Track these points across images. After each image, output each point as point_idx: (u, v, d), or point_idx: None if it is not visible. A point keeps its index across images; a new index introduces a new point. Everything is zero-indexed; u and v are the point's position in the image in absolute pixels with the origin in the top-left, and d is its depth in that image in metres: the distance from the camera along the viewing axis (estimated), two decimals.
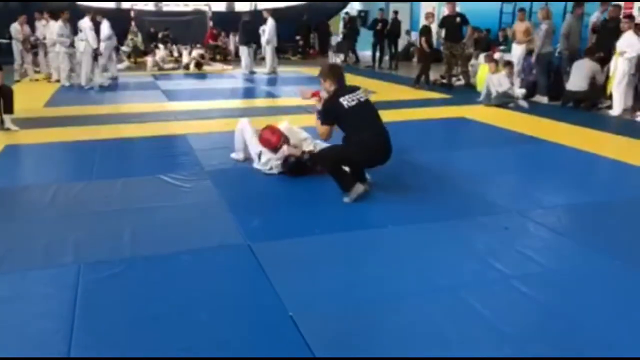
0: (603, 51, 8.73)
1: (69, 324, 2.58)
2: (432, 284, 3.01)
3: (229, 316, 2.71)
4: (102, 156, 5.71)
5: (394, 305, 2.79)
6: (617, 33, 8.29)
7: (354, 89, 4.40)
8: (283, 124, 5.26)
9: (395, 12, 15.29)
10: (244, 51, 13.73)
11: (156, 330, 2.56)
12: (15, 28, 11.71)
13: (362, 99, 4.33)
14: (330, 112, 4.33)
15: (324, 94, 4.52)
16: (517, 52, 10.27)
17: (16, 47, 11.82)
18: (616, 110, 8.15)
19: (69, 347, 2.41)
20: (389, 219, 3.96)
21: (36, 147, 6.16)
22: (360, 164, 4.37)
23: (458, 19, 10.67)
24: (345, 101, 4.25)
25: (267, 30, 13.52)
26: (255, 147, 5.10)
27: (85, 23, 10.68)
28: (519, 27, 10.34)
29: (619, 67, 8.07)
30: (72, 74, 11.24)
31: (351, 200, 4.21)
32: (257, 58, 16.02)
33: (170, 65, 15.37)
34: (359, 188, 4.24)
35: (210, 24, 18.15)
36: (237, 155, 5.41)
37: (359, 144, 4.23)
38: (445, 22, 10.94)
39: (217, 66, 15.30)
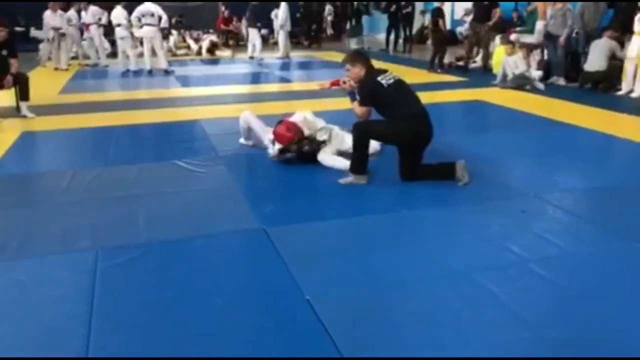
0: (620, 29, 8.55)
1: (88, 308, 2.61)
2: (448, 268, 2.99)
3: (246, 300, 2.72)
4: (117, 142, 5.75)
5: (410, 289, 2.78)
6: (634, 10, 8.10)
7: (385, 70, 4.37)
8: (298, 114, 5.21)
9: None
10: (254, 34, 13.64)
11: (173, 314, 2.58)
12: (48, 15, 11.55)
13: (397, 78, 4.29)
14: (369, 92, 4.25)
15: (347, 82, 4.44)
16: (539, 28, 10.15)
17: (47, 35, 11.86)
18: (637, 91, 7.99)
19: (89, 330, 2.44)
20: (404, 204, 3.94)
21: (52, 134, 6.21)
22: (402, 143, 4.25)
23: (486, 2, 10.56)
24: (384, 80, 4.22)
25: (280, 14, 13.43)
26: (268, 135, 5.08)
27: (152, 7, 10.77)
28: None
29: None
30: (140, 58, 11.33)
31: (345, 184, 4.23)
32: (270, 42, 15.98)
33: (183, 51, 15.39)
34: (362, 179, 4.24)
35: (223, 8, 18.06)
36: (246, 142, 5.41)
37: (401, 121, 4.16)
38: (475, 3, 10.83)
39: (225, 52, 15.23)
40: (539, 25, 10.25)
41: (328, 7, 19.28)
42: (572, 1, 9.40)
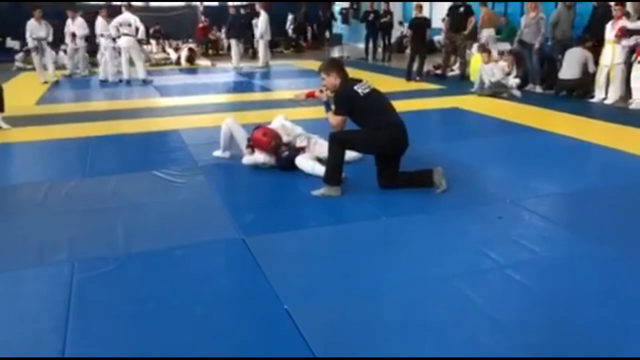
0: (595, 38, 8.72)
1: (64, 321, 2.58)
2: (426, 274, 3.02)
3: (224, 310, 2.71)
4: (95, 153, 5.69)
5: (388, 296, 2.80)
6: (607, 18, 8.28)
7: (359, 80, 4.36)
8: (276, 120, 5.21)
9: (387, 3, 15.23)
10: (234, 45, 13.64)
11: (151, 325, 2.56)
12: (31, 24, 11.09)
13: (372, 87, 4.29)
14: (346, 100, 4.22)
15: (324, 91, 4.45)
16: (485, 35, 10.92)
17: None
18: (610, 98, 8.15)
19: (64, 344, 2.41)
20: (383, 211, 3.96)
21: (28, 145, 6.13)
22: (378, 151, 4.28)
23: (461, 9, 10.74)
24: (360, 89, 4.21)
25: (260, 24, 13.43)
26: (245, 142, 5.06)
27: (131, 17, 10.76)
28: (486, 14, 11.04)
29: (615, 54, 8.03)
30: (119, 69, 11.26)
31: (319, 196, 4.20)
32: (250, 52, 15.96)
33: (162, 60, 15.32)
34: (336, 191, 4.21)
35: (202, 18, 18.01)
36: (224, 153, 5.29)
37: (377, 130, 4.16)
38: (450, 12, 11.08)
39: (204, 62, 15.16)
40: (485, 32, 10.91)
41: (290, 17, 19.33)
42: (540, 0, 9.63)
